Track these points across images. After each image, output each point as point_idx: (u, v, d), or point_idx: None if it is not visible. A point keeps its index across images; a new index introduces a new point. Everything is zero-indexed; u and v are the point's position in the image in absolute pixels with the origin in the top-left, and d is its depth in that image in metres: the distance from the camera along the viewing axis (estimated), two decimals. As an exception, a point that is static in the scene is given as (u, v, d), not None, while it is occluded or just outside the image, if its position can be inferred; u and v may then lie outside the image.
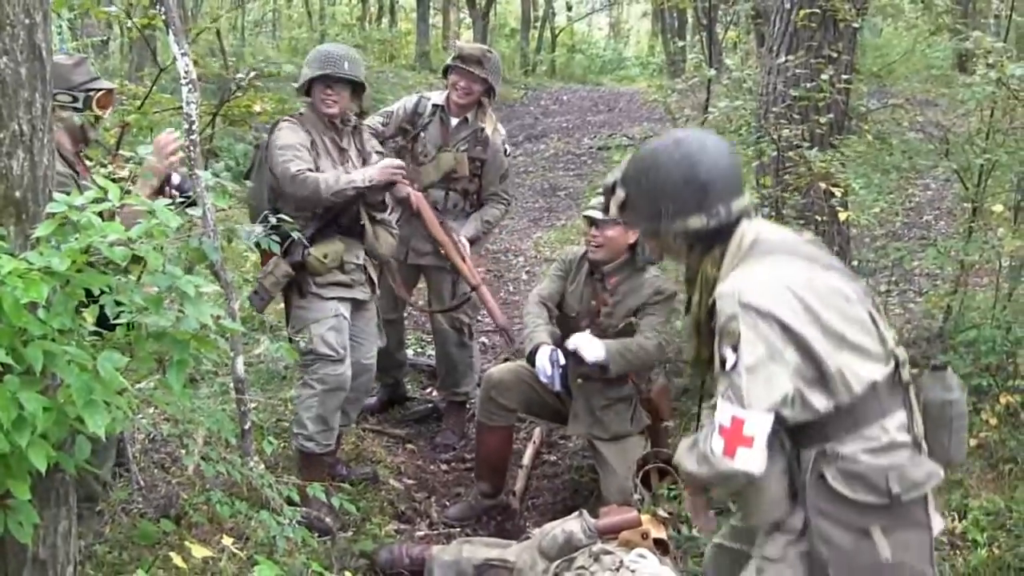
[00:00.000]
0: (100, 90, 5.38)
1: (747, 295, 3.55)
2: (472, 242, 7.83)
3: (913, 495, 3.65)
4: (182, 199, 4.83)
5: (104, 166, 5.41)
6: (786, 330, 3.54)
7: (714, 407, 3.63)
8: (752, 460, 3.51)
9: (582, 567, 5.25)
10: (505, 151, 7.95)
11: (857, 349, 3.65)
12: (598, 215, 6.35)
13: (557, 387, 6.37)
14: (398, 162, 6.67)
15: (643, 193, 3.86)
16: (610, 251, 6.41)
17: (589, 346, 6.24)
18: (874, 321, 3.76)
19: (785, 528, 3.76)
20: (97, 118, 5.34)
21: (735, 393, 3.52)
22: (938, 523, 3.81)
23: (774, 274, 3.64)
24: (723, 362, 3.55)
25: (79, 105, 5.27)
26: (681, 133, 4.06)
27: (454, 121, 7.82)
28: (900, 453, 3.67)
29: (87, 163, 5.43)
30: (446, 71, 7.86)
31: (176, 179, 5.38)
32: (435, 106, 7.85)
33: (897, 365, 3.77)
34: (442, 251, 7.53)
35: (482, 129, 7.80)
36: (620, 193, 3.99)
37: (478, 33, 30.55)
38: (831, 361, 3.59)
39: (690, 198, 3.76)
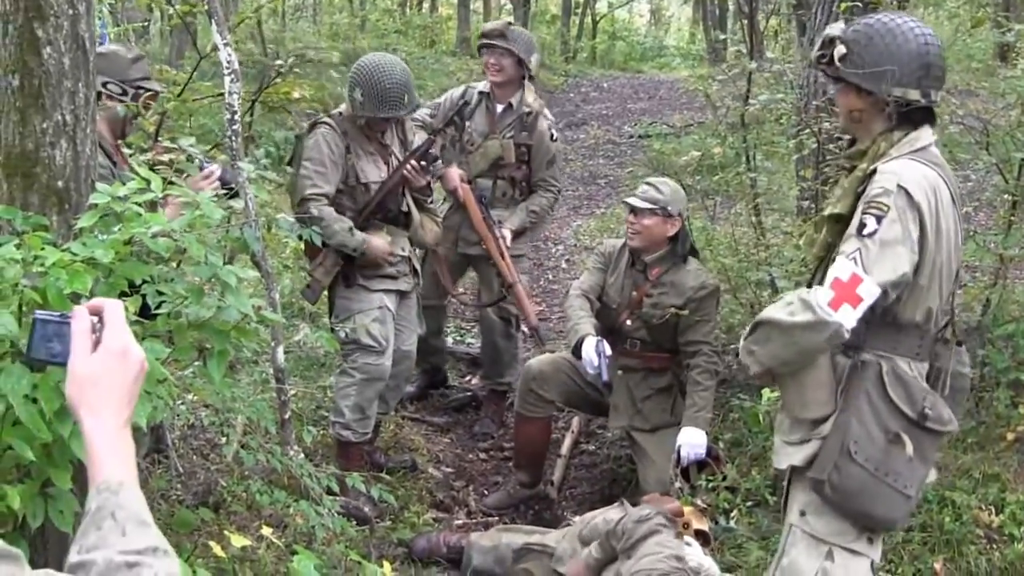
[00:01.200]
0: (149, 91, 5.42)
1: (905, 180, 3.92)
2: (519, 233, 7.80)
3: (934, 426, 4.04)
4: (225, 191, 4.86)
5: (144, 151, 5.44)
6: (920, 227, 3.90)
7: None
8: (849, 317, 3.83)
9: (656, 527, 5.22)
10: (552, 136, 7.86)
11: (938, 288, 4.07)
12: (637, 203, 6.34)
13: (605, 377, 6.35)
14: (387, 249, 6.62)
15: (874, 52, 4.04)
16: (646, 239, 6.40)
17: (695, 442, 6.23)
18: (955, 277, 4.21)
19: (816, 432, 4.10)
20: (137, 115, 5.36)
21: (863, 255, 3.85)
22: (933, 474, 4.35)
23: (933, 181, 4.01)
24: (862, 226, 3.88)
25: (127, 99, 5.30)
26: (913, 19, 4.25)
27: (499, 108, 7.80)
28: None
29: (126, 152, 5.45)
30: (481, 56, 7.86)
31: (218, 170, 5.40)
32: (481, 94, 7.83)
33: (947, 324, 4.24)
34: (483, 246, 7.52)
35: (528, 113, 7.75)
36: (841, 48, 4.11)
37: (518, 19, 30.42)
38: (925, 278, 3.98)
39: (916, 72, 4.03)
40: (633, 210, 6.41)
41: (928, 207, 3.93)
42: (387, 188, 6.48)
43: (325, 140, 6.37)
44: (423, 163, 6.59)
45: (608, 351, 6.35)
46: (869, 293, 3.84)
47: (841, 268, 3.86)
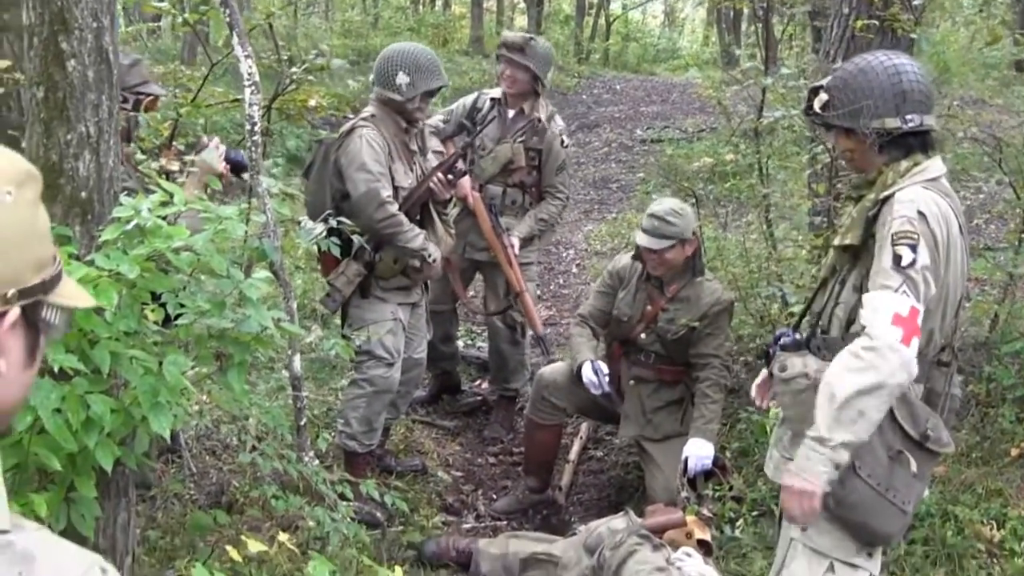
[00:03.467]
0: (150, 95, 5.46)
1: (924, 208, 3.98)
2: (528, 240, 7.84)
3: (934, 447, 4.11)
4: (234, 171, 4.94)
5: (156, 157, 5.49)
6: (937, 252, 3.99)
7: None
8: (915, 350, 3.86)
9: (632, 547, 5.29)
10: (563, 142, 7.87)
11: (940, 315, 4.15)
12: (655, 245, 6.36)
13: (607, 390, 6.45)
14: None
15: (849, 92, 4.18)
16: (671, 268, 6.43)
17: (702, 453, 6.28)
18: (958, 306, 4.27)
19: None
20: (138, 122, 5.41)
21: (912, 287, 3.88)
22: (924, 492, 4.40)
23: (944, 211, 4.06)
24: (897, 258, 3.90)
25: (128, 107, 5.34)
26: (889, 53, 4.37)
27: (511, 113, 7.83)
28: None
29: (140, 159, 5.49)
30: (498, 62, 7.90)
31: (220, 147, 5.43)
32: (493, 100, 7.86)
33: (943, 348, 4.28)
34: (491, 252, 7.58)
35: (539, 120, 7.76)
36: (824, 95, 4.27)
37: (532, 19, 30.48)
38: (932, 303, 4.02)
39: (891, 101, 4.13)
40: (651, 249, 6.43)
41: (940, 236, 3.99)
42: (414, 198, 6.49)
43: (374, 142, 6.33)
44: (449, 177, 6.62)
45: (604, 369, 6.50)
46: (922, 321, 3.93)
47: (896, 303, 3.87)
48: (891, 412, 4.01)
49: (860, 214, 4.19)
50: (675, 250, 6.34)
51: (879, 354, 3.83)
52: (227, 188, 5.79)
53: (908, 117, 4.13)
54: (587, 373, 6.48)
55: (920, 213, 3.96)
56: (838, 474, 3.97)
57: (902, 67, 4.17)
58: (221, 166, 5.26)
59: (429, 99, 6.56)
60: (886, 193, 4.09)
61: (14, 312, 1.58)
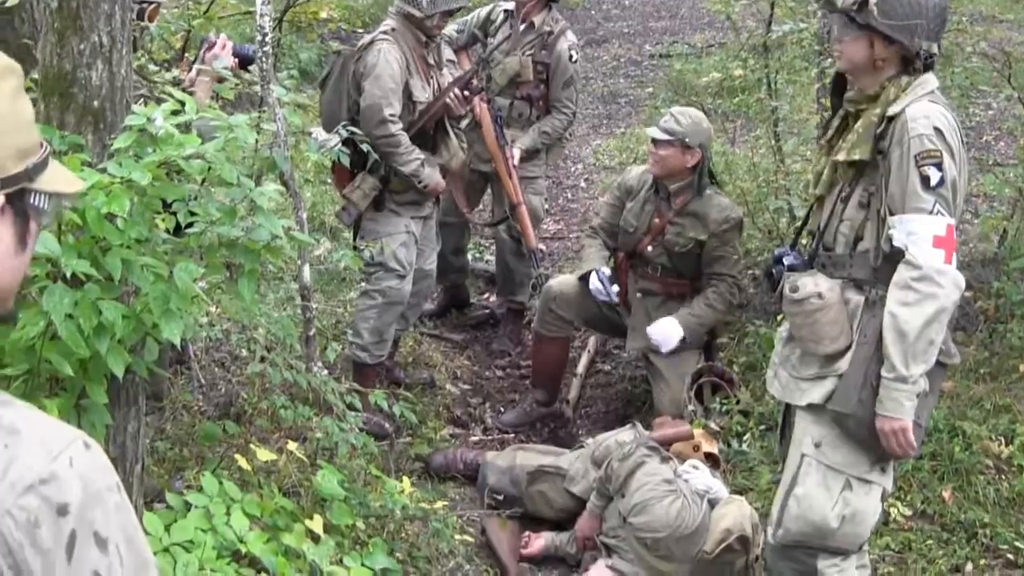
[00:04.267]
0: (153, 2, 5.44)
1: (939, 122, 4.01)
2: (533, 153, 7.82)
3: (943, 359, 4.19)
4: (242, 65, 4.94)
5: (168, 69, 5.47)
6: (955, 162, 4.03)
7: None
8: (956, 263, 3.98)
9: (640, 459, 5.33)
10: (571, 57, 7.82)
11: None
12: (656, 134, 6.36)
13: (614, 299, 6.48)
14: (443, 186, 6.76)
15: (905, 5, 4.08)
16: (665, 169, 6.41)
17: (668, 336, 6.39)
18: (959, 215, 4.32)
19: (832, 368, 4.21)
20: (143, 29, 5.38)
21: (945, 205, 3.97)
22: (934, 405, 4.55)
23: (952, 121, 4.10)
24: (925, 179, 3.95)
25: (133, 17, 5.33)
26: None
27: (522, 26, 7.77)
28: None
29: (152, 70, 5.47)
30: None
31: (229, 41, 5.42)
32: (506, 11, 7.84)
33: None
34: (493, 163, 7.57)
35: (549, 33, 7.72)
36: (872, 1, 4.10)
37: (541, -67, 30.17)
38: None
39: (938, 26, 4.15)
40: (653, 140, 6.44)
41: (956, 146, 4.02)
42: (430, 113, 6.49)
43: (391, 57, 6.33)
44: (466, 93, 6.61)
45: (607, 272, 6.58)
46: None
47: (933, 225, 3.93)
48: None
49: (866, 129, 4.17)
50: (673, 150, 6.35)
51: (931, 281, 3.91)
52: (238, 98, 5.78)
53: (938, 43, 4.17)
54: (593, 284, 6.53)
55: (937, 129, 3.97)
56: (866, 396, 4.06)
57: None
58: (230, 61, 5.23)
59: (448, 17, 6.57)
60: (895, 110, 4.07)
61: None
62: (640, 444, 5.40)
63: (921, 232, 3.92)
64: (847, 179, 4.28)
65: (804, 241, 4.88)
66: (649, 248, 6.55)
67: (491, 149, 7.49)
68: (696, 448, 5.68)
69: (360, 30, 6.93)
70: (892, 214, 4.02)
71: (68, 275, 3.12)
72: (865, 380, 4.06)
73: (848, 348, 4.17)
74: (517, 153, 7.63)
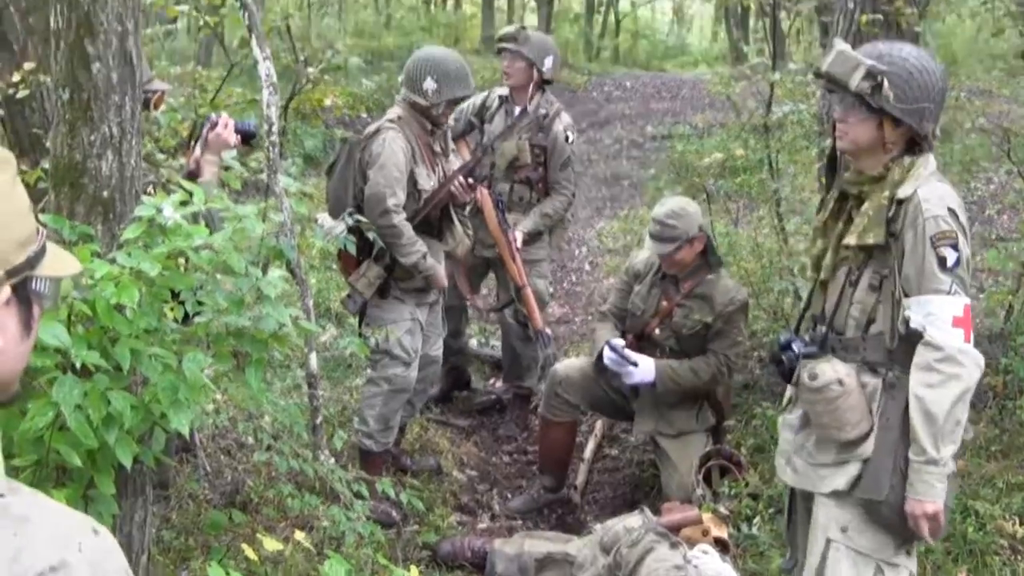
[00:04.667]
0: (157, 91, 5.48)
1: (951, 202, 4.05)
2: (535, 236, 7.85)
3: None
4: (244, 140, 4.98)
5: (175, 157, 5.50)
6: (967, 241, 4.06)
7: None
8: (972, 342, 4.00)
9: (649, 545, 5.29)
10: (567, 138, 7.88)
11: None
12: (661, 250, 6.36)
13: (635, 363, 6.41)
14: (444, 282, 6.77)
15: (915, 89, 4.08)
16: (682, 266, 6.42)
17: (644, 369, 6.37)
18: None
19: (855, 454, 4.18)
20: (147, 117, 5.42)
21: (962, 284, 3.99)
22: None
23: (959, 200, 4.15)
24: (942, 260, 3.98)
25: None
26: (924, 51, 4.33)
27: (516, 110, 7.85)
28: None
29: (160, 158, 5.50)
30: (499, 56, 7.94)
31: (231, 120, 5.45)
32: (500, 97, 7.93)
33: None
34: (496, 248, 7.57)
35: (544, 116, 7.80)
36: (884, 83, 4.07)
37: (542, 18, 30.42)
38: None
39: (938, 107, 4.17)
40: (659, 254, 6.44)
41: (967, 225, 4.08)
42: (435, 201, 6.51)
43: (396, 146, 6.35)
44: (470, 181, 6.64)
45: (621, 342, 6.51)
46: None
47: (952, 306, 3.96)
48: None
49: (877, 212, 4.16)
50: (683, 250, 6.34)
51: (954, 362, 3.93)
52: (245, 185, 5.81)
53: (938, 125, 4.20)
54: (608, 355, 6.46)
55: (951, 210, 4.01)
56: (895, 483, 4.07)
57: (943, 72, 4.18)
58: (232, 139, 5.26)
59: (455, 106, 6.62)
60: (906, 192, 4.08)
61: (5, 291, 1.65)
62: (649, 529, 5.36)
63: (940, 313, 3.94)
64: (856, 262, 4.27)
65: (804, 325, 4.86)
66: (657, 331, 6.54)
67: (494, 234, 7.50)
68: (705, 533, 5.63)
69: (364, 116, 7.00)
70: (907, 296, 4.03)
71: (78, 366, 3.13)
72: (895, 465, 4.06)
73: (869, 432, 4.15)
74: (520, 236, 7.64)
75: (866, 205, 4.22)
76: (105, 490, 3.42)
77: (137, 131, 3.79)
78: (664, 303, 6.54)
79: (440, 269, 6.58)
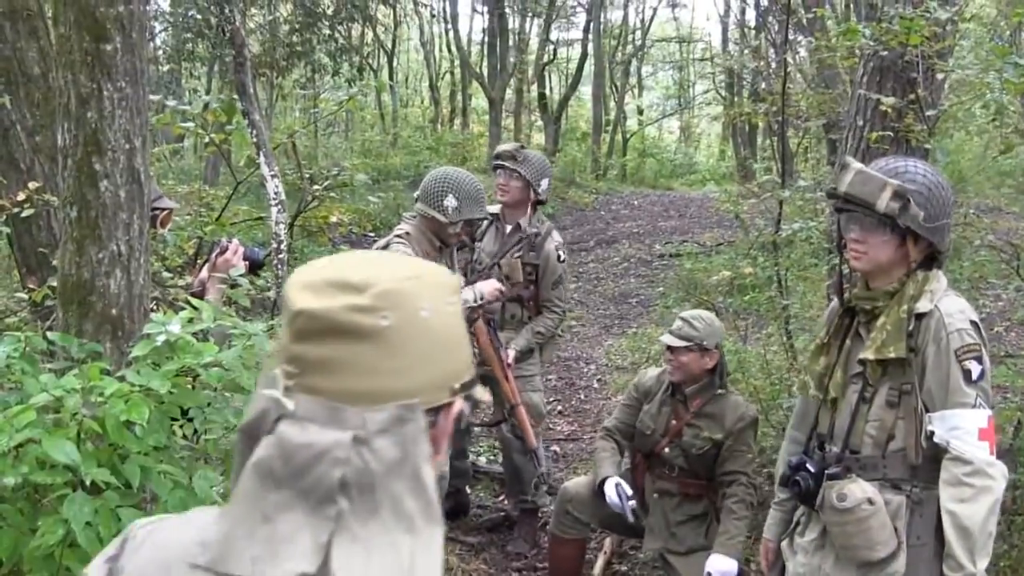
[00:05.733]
0: (164, 209, 5.54)
1: (972, 316, 4.11)
2: (527, 353, 7.87)
3: None
4: (251, 269, 5.00)
5: (182, 275, 5.54)
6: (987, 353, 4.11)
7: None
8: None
9: None
10: (559, 257, 7.92)
11: None
12: (673, 342, 6.39)
13: (630, 519, 6.42)
14: (498, 285, 6.82)
15: (937, 206, 4.12)
16: (685, 374, 6.44)
17: (724, 568, 6.25)
18: None
19: (885, 573, 4.16)
20: (153, 235, 5.48)
21: (985, 397, 4.01)
22: None
23: (977, 315, 4.18)
24: (968, 374, 4.00)
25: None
26: (931, 166, 4.37)
27: (508, 228, 7.90)
28: None
29: (166, 276, 5.54)
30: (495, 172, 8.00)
31: (240, 247, 5.49)
32: (492, 215, 7.93)
33: None
34: (488, 367, 7.56)
35: (536, 234, 7.84)
36: (911, 202, 4.08)
37: (549, 137, 30.74)
38: None
39: (951, 220, 4.27)
40: (670, 347, 6.47)
41: (986, 339, 4.11)
42: None
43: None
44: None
45: (629, 492, 6.46)
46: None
47: (977, 419, 3.98)
48: (941, 536, 4.08)
49: (896, 327, 4.16)
50: (692, 355, 6.36)
51: (983, 475, 3.95)
52: (252, 304, 5.84)
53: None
54: (611, 493, 6.45)
55: (973, 323, 4.06)
56: None
57: (950, 186, 4.23)
58: (241, 266, 5.31)
59: (471, 226, 6.68)
60: (926, 306, 4.11)
61: (459, 403, 1.73)
62: None
63: (966, 426, 3.96)
64: (873, 378, 4.27)
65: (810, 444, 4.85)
66: (667, 450, 6.53)
67: (486, 353, 7.49)
68: (714, 653, 5.60)
69: (371, 234, 7.04)
70: (929, 410, 4.04)
71: (87, 483, 3.14)
72: None
73: (897, 550, 4.14)
74: (512, 353, 7.66)
75: (882, 320, 4.22)
76: (115, 608, 3.41)
77: (145, 248, 3.83)
78: (674, 422, 6.53)
79: (485, 288, 6.66)
